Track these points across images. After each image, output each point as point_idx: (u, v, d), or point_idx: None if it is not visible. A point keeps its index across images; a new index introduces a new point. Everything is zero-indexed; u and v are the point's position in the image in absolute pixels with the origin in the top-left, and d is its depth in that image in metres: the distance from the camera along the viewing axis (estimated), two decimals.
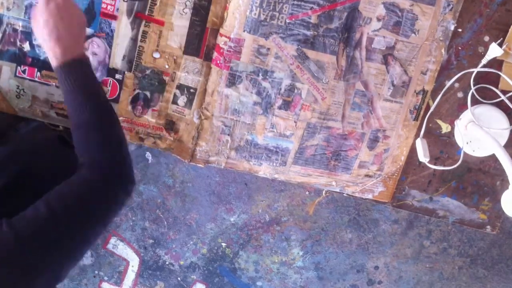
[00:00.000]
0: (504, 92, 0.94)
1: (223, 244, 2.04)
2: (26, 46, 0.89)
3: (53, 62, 0.73)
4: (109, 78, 0.91)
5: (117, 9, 0.87)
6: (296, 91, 0.93)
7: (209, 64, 0.91)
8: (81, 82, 0.73)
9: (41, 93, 0.92)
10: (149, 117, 0.94)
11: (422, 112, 0.96)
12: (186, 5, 0.87)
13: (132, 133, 0.96)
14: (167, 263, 2.05)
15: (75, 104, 0.73)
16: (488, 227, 1.05)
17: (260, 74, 0.91)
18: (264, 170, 0.99)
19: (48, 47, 0.73)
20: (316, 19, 0.88)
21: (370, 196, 1.02)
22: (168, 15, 0.88)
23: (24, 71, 0.91)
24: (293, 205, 1.98)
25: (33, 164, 0.80)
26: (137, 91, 0.92)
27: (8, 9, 0.86)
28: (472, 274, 2.15)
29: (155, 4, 0.87)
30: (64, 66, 0.72)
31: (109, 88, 0.92)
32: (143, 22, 0.88)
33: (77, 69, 0.73)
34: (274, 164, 0.98)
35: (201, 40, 0.90)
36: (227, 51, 0.89)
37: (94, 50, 0.89)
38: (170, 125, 0.95)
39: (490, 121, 0.94)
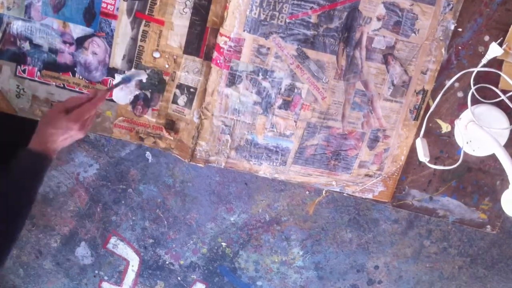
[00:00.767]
0: (504, 92, 0.94)
1: (223, 244, 2.04)
2: (26, 46, 0.89)
3: (32, 143, 0.84)
4: (109, 77, 0.91)
5: (117, 8, 0.87)
6: (296, 90, 0.93)
7: (209, 64, 0.91)
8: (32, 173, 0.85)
9: (41, 92, 0.92)
10: (149, 117, 0.94)
11: (422, 112, 0.96)
12: (186, 5, 0.87)
13: (132, 132, 0.96)
14: (167, 262, 2.05)
15: (13, 179, 0.84)
16: (488, 226, 1.05)
17: (260, 74, 0.91)
18: (264, 169, 0.99)
19: (41, 134, 0.84)
20: (316, 19, 0.88)
21: (370, 196, 1.02)
22: (168, 15, 0.88)
23: (24, 71, 0.91)
24: (293, 204, 1.98)
25: None
26: (137, 91, 0.92)
27: (8, 8, 0.86)
28: (472, 273, 2.15)
29: (155, 4, 0.87)
30: (35, 154, 0.83)
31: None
32: (143, 22, 0.88)
33: (40, 160, 0.85)
34: (274, 164, 0.98)
35: (201, 39, 0.90)
36: (227, 50, 0.89)
37: (94, 49, 0.89)
38: (170, 125, 0.95)
39: (490, 121, 0.94)
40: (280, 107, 0.94)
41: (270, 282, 2.12)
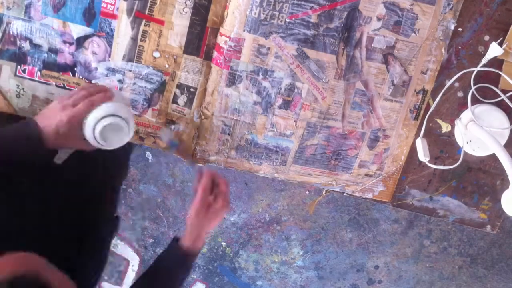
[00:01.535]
0: (504, 92, 0.94)
1: (223, 244, 2.04)
2: (26, 46, 0.89)
3: (184, 239, 0.93)
4: (109, 77, 0.91)
5: (117, 8, 0.87)
6: (296, 90, 0.93)
7: (209, 64, 0.91)
8: None
9: (41, 92, 0.92)
10: (149, 117, 0.94)
11: (422, 112, 0.96)
12: (186, 5, 0.87)
13: None
14: None
15: (172, 269, 0.94)
16: (488, 226, 1.05)
17: (260, 74, 0.91)
18: (264, 169, 0.99)
19: (190, 229, 0.93)
20: (316, 19, 0.88)
21: (370, 196, 1.02)
22: (168, 15, 0.88)
23: (24, 71, 0.91)
24: (293, 204, 1.98)
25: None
26: (137, 90, 0.92)
27: (8, 8, 0.86)
28: (472, 273, 2.15)
29: (155, 4, 0.87)
30: (186, 251, 0.92)
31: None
32: (143, 22, 0.88)
33: (189, 257, 0.94)
34: (274, 164, 0.98)
35: (201, 39, 0.90)
36: (227, 50, 0.89)
37: (94, 49, 0.89)
38: (170, 125, 0.95)
39: (490, 121, 0.94)
40: (280, 107, 0.94)
41: (270, 281, 2.12)
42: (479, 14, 0.91)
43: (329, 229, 2.03)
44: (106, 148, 0.79)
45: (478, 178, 1.01)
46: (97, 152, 0.84)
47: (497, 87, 0.94)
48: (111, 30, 0.88)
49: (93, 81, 0.92)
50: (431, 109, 0.96)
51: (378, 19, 0.89)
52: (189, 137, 0.96)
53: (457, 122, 0.96)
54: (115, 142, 0.78)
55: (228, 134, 0.96)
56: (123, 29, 0.88)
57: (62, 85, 0.92)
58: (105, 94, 0.79)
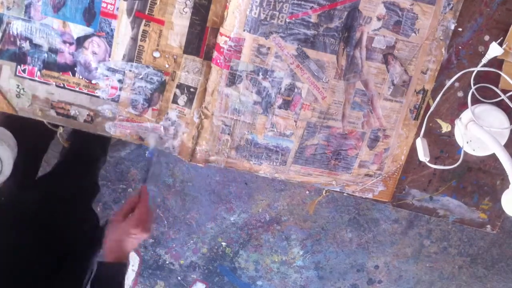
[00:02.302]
0: (505, 92, 0.94)
1: (223, 244, 2.04)
2: (26, 45, 0.89)
3: (106, 256, 0.94)
4: (109, 77, 0.91)
5: (117, 8, 0.87)
6: (296, 90, 0.93)
7: (209, 64, 0.91)
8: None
9: (41, 92, 0.92)
10: (149, 117, 0.94)
11: (422, 112, 0.96)
12: (186, 5, 0.87)
13: (132, 132, 0.96)
14: (167, 262, 2.05)
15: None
16: (488, 226, 1.05)
17: (260, 74, 0.91)
18: (264, 169, 0.99)
19: (110, 246, 0.94)
20: (316, 19, 0.88)
21: (370, 196, 1.02)
22: (168, 15, 0.88)
23: (24, 71, 0.91)
24: (293, 204, 1.98)
25: None
26: (137, 90, 0.92)
27: (8, 8, 0.86)
28: (472, 273, 2.15)
29: (155, 4, 0.87)
30: (109, 265, 0.93)
31: (109, 88, 0.92)
32: (143, 22, 0.88)
33: (116, 271, 0.94)
34: (274, 164, 0.98)
35: (201, 39, 0.90)
36: (227, 50, 0.89)
37: (94, 49, 0.89)
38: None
39: (490, 121, 0.94)
40: (280, 107, 0.94)
41: (270, 281, 2.12)
42: (479, 14, 0.91)
43: (329, 229, 2.03)
44: None
45: (478, 178, 1.01)
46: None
47: (497, 87, 0.94)
48: (111, 30, 0.88)
49: (93, 81, 0.92)
50: (431, 109, 0.96)
51: (378, 19, 0.89)
52: (189, 137, 0.96)
53: (457, 122, 0.96)
54: None
55: (228, 134, 0.96)
56: (123, 29, 0.88)
57: (62, 85, 0.92)
58: None
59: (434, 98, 0.95)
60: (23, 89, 0.92)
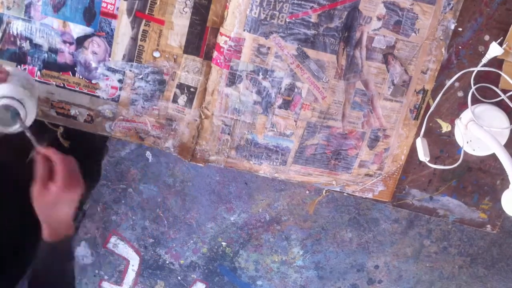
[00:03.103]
0: (505, 91, 0.94)
1: (223, 243, 2.04)
2: (26, 45, 0.89)
3: (45, 234, 0.81)
4: (109, 77, 0.91)
5: (117, 8, 0.87)
6: (296, 90, 0.93)
7: (209, 63, 0.91)
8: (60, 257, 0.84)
9: (41, 92, 0.92)
10: (149, 116, 0.94)
11: (422, 111, 0.96)
12: (186, 4, 0.87)
13: (132, 132, 0.96)
14: (167, 262, 2.05)
15: (47, 270, 0.84)
16: (488, 226, 1.05)
17: (260, 73, 0.91)
18: (264, 169, 0.99)
19: (45, 221, 0.81)
20: (317, 18, 0.88)
21: (370, 195, 1.02)
22: (168, 14, 0.88)
23: (24, 70, 0.91)
24: (293, 204, 1.98)
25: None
26: (137, 90, 0.92)
27: (8, 8, 0.86)
28: (472, 273, 2.15)
29: (155, 3, 0.87)
30: (49, 244, 0.81)
31: (109, 88, 0.92)
32: (143, 21, 0.88)
33: (60, 248, 0.83)
34: (274, 163, 0.98)
35: (201, 39, 0.90)
36: (227, 50, 0.89)
37: (94, 49, 0.89)
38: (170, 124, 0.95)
39: (491, 120, 0.94)
40: (280, 107, 0.94)
41: (270, 281, 2.12)
42: (479, 14, 0.91)
43: (329, 229, 2.03)
44: (5, 132, 0.76)
45: (478, 178, 1.01)
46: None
47: (497, 87, 0.94)
48: (111, 30, 0.88)
49: (93, 81, 0.92)
50: (431, 109, 0.96)
51: (378, 19, 0.89)
52: (189, 137, 0.96)
53: (457, 122, 0.96)
54: (13, 124, 0.77)
55: (228, 134, 0.96)
56: (123, 29, 0.88)
57: (62, 85, 0.92)
58: None
59: (434, 98, 0.95)
60: None
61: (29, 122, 0.79)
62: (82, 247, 2.00)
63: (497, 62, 0.93)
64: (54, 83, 0.92)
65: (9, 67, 0.82)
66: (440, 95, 0.95)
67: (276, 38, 0.89)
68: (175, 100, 0.94)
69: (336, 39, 0.90)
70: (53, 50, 0.89)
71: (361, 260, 2.10)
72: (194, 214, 1.98)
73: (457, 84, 0.95)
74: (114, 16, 0.87)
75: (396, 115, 0.96)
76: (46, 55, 0.90)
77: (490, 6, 0.91)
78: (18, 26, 0.88)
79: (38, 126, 1.00)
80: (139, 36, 0.89)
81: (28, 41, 0.89)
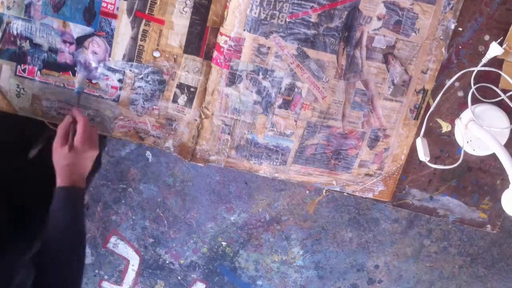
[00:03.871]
0: (505, 91, 0.94)
1: (223, 243, 2.04)
2: (26, 45, 0.89)
3: (59, 182, 0.86)
4: (109, 77, 0.91)
5: (117, 8, 0.87)
6: (296, 90, 0.93)
7: (209, 63, 0.91)
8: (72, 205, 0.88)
9: (41, 92, 0.92)
10: (149, 116, 0.94)
11: (422, 111, 0.96)
12: (186, 4, 0.87)
13: (132, 132, 0.96)
14: (167, 262, 2.05)
15: (59, 217, 0.86)
16: (488, 226, 1.05)
17: (260, 73, 0.91)
18: (264, 169, 0.99)
19: (61, 173, 0.86)
20: (317, 18, 0.88)
21: (370, 195, 1.02)
22: (168, 14, 0.88)
23: (24, 70, 0.91)
24: (293, 204, 1.98)
25: None
26: (137, 90, 0.92)
27: (8, 8, 0.86)
28: (473, 273, 2.15)
29: (155, 3, 0.87)
30: (63, 189, 0.86)
31: (109, 88, 0.92)
32: (143, 21, 0.88)
33: (74, 194, 0.88)
34: (274, 163, 0.98)
35: (201, 39, 0.90)
36: (227, 50, 0.89)
37: (94, 49, 0.89)
38: (171, 124, 0.95)
39: (491, 120, 0.94)
40: (280, 107, 0.94)
41: (270, 281, 2.12)
42: (479, 13, 0.91)
43: (329, 228, 2.03)
44: None
45: (478, 177, 1.01)
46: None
47: (497, 86, 0.94)
48: (111, 29, 0.88)
49: (93, 81, 0.92)
50: (431, 109, 0.96)
51: (379, 19, 0.89)
52: (189, 137, 0.96)
53: (457, 121, 0.96)
54: None
55: (228, 134, 0.95)
56: (123, 28, 0.88)
57: (62, 85, 0.92)
58: None
59: (434, 98, 0.95)
60: (23, 88, 0.92)
61: None
62: None
63: (497, 62, 0.93)
64: (54, 83, 0.91)
65: None
66: (440, 95, 0.95)
67: (276, 38, 0.89)
68: (175, 100, 0.94)
69: (336, 39, 0.90)
70: (53, 50, 0.89)
71: (361, 260, 2.10)
72: (194, 214, 1.98)
73: (457, 84, 0.95)
74: (114, 16, 0.87)
75: (396, 115, 0.96)
76: (46, 55, 0.90)
77: (490, 6, 0.91)
78: (18, 26, 0.88)
79: (38, 126, 1.00)
80: (139, 36, 0.89)
81: (28, 41, 0.89)
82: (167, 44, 0.90)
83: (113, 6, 0.87)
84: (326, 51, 0.90)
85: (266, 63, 0.90)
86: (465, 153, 0.97)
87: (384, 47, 0.91)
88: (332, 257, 2.08)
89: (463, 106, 0.96)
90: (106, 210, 1.95)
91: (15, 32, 0.88)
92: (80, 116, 0.87)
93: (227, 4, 0.87)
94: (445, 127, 0.98)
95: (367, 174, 1.00)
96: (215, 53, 0.90)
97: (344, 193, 1.02)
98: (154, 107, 0.94)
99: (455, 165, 0.95)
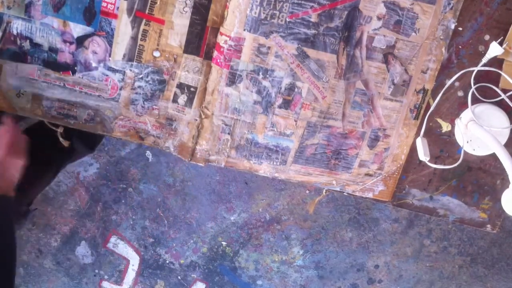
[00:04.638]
0: (505, 91, 0.94)
1: (224, 243, 2.04)
2: (26, 45, 0.89)
3: None
4: (109, 77, 0.91)
5: (117, 8, 0.87)
6: (296, 90, 0.93)
7: (209, 63, 0.91)
8: None
9: (41, 92, 0.92)
10: (149, 116, 0.94)
11: (422, 111, 0.96)
12: (186, 4, 0.87)
13: (132, 132, 0.96)
14: (167, 262, 2.05)
15: None
16: (489, 226, 1.05)
17: (260, 73, 0.91)
18: (264, 169, 0.99)
19: None
20: (317, 18, 0.88)
21: (370, 195, 1.02)
22: (168, 14, 0.88)
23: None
24: (293, 204, 1.98)
25: None
26: (137, 90, 0.93)
27: (8, 7, 0.86)
28: (473, 273, 2.15)
29: (155, 3, 0.87)
30: None
31: (109, 87, 0.92)
32: (143, 21, 0.88)
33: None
34: (274, 163, 0.98)
35: (201, 39, 0.90)
36: (227, 50, 0.89)
37: (94, 49, 0.89)
38: (170, 124, 0.95)
39: (491, 120, 0.94)
40: (280, 107, 0.94)
41: (270, 281, 2.12)
42: (479, 13, 0.91)
43: (329, 228, 2.03)
44: None
45: (478, 177, 1.01)
46: None
47: (497, 86, 0.94)
48: (111, 29, 0.88)
49: (93, 81, 0.92)
50: (431, 109, 0.96)
51: (379, 19, 0.89)
52: (189, 136, 0.96)
53: (457, 121, 0.96)
54: None
55: (228, 134, 0.96)
56: (123, 28, 0.88)
57: (62, 85, 0.92)
58: None
59: (434, 98, 0.95)
60: (23, 88, 0.92)
61: None
62: (82, 246, 2.00)
63: (497, 62, 0.93)
64: (54, 82, 0.92)
65: None
66: (440, 94, 0.95)
67: (276, 38, 0.89)
68: (175, 100, 0.94)
69: (336, 38, 0.90)
70: (53, 50, 0.89)
71: (361, 260, 2.10)
72: (194, 214, 1.98)
73: (457, 83, 0.95)
74: (114, 16, 0.87)
75: (396, 115, 0.96)
76: (46, 54, 0.90)
77: (490, 6, 0.91)
78: (18, 26, 0.88)
79: (38, 126, 1.00)
80: (139, 36, 0.89)
81: (28, 41, 0.89)
82: (167, 44, 0.90)
83: (113, 6, 0.87)
84: (326, 51, 0.90)
85: (266, 63, 0.90)
86: (465, 153, 0.97)
87: (384, 47, 0.91)
88: (332, 257, 2.08)
89: (463, 106, 0.96)
90: (106, 210, 1.95)
91: (15, 32, 0.88)
92: (8, 124, 0.88)
93: (227, 4, 0.87)
94: (445, 127, 0.98)
95: (367, 174, 1.00)
96: (215, 53, 0.90)
97: (344, 193, 1.02)
98: (154, 107, 0.94)
99: (455, 165, 0.95)
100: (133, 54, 0.90)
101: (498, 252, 2.12)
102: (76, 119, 0.94)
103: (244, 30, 0.88)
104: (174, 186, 1.93)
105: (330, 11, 0.88)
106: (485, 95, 0.95)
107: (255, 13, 0.87)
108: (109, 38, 0.89)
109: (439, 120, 0.97)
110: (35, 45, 0.89)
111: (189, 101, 0.94)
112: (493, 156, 0.95)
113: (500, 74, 0.93)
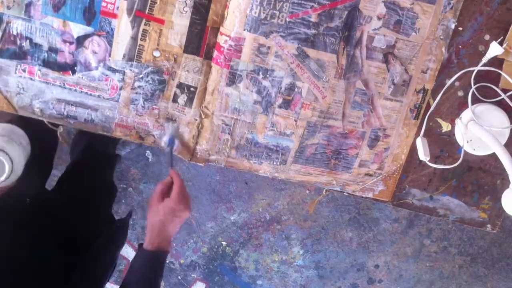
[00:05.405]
0: (505, 91, 0.94)
1: (224, 243, 2.04)
2: (26, 45, 0.89)
3: (147, 243, 0.89)
4: (109, 77, 0.91)
5: (117, 7, 0.87)
6: (296, 90, 0.93)
7: (210, 63, 0.91)
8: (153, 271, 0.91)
9: (41, 91, 0.92)
10: (149, 116, 0.94)
11: (422, 111, 0.96)
12: (186, 4, 0.87)
13: (132, 132, 0.96)
14: (167, 261, 2.05)
15: (141, 275, 0.90)
16: (489, 225, 1.05)
17: (260, 73, 0.91)
18: (265, 169, 0.99)
19: (153, 229, 0.89)
20: (317, 18, 0.88)
21: (370, 195, 1.02)
22: (168, 14, 0.88)
23: (24, 70, 0.91)
24: (293, 203, 1.98)
25: None
26: (137, 90, 0.92)
27: (8, 7, 0.86)
28: (473, 272, 2.15)
29: (155, 3, 0.87)
30: (148, 253, 0.89)
31: (109, 87, 0.92)
32: (143, 21, 0.88)
33: (156, 260, 0.90)
34: (275, 163, 0.98)
35: (201, 38, 0.90)
36: (228, 49, 0.89)
37: (94, 48, 0.89)
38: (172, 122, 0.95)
39: (491, 120, 0.94)
40: (280, 106, 0.94)
41: (270, 281, 2.12)
42: (479, 13, 0.91)
43: (329, 228, 2.03)
44: None
45: (478, 177, 1.01)
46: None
47: (497, 86, 0.94)
48: (111, 29, 0.88)
49: (93, 81, 0.92)
50: (432, 109, 0.96)
51: (379, 18, 0.89)
52: (189, 136, 0.96)
53: (457, 121, 0.96)
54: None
55: (228, 134, 0.96)
56: (123, 28, 0.88)
57: (62, 85, 0.92)
58: None
59: (434, 98, 0.95)
60: (23, 88, 0.92)
61: (19, 172, 0.89)
62: None
63: (497, 62, 0.93)
64: (54, 82, 0.91)
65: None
66: (440, 94, 0.95)
67: (276, 38, 0.89)
68: (175, 100, 0.94)
69: (336, 38, 0.90)
70: (53, 50, 0.89)
71: (361, 260, 2.10)
72: (194, 214, 1.98)
73: (457, 83, 0.95)
74: (114, 16, 0.87)
75: (396, 115, 0.96)
76: (46, 54, 0.90)
77: (490, 6, 0.91)
78: (18, 26, 0.87)
79: (38, 126, 1.00)
80: (139, 36, 0.89)
81: (28, 41, 0.89)
82: (167, 44, 0.90)
83: (113, 5, 0.87)
84: (326, 50, 0.90)
85: (266, 62, 0.90)
86: (465, 152, 0.97)
87: (384, 47, 0.91)
88: (332, 256, 2.08)
89: (463, 105, 0.96)
90: None
91: (15, 32, 0.88)
92: (176, 178, 0.93)
93: (227, 3, 0.87)
94: (445, 126, 0.98)
95: (367, 174, 1.00)
96: (215, 53, 0.90)
97: (344, 193, 1.02)
98: (154, 106, 0.94)
99: (455, 164, 0.95)
100: (133, 54, 0.90)
101: (498, 252, 2.12)
102: (76, 119, 0.94)
103: (244, 30, 0.88)
104: None
105: (330, 11, 0.88)
106: (485, 95, 0.95)
107: (255, 13, 0.87)
108: (109, 38, 0.89)
109: (439, 120, 0.97)
110: (35, 45, 0.89)
111: (189, 101, 0.94)
112: (493, 156, 0.95)
113: (500, 74, 0.93)
